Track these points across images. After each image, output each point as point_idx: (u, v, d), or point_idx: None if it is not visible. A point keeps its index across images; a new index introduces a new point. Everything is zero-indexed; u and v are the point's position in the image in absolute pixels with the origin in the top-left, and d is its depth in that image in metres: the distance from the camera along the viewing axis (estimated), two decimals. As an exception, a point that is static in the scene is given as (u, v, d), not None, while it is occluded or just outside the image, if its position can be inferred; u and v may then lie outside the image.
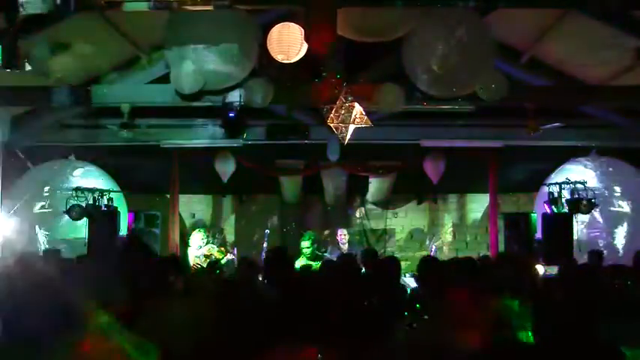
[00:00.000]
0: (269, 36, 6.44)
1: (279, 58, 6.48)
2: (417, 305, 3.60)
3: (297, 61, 6.67)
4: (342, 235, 10.14)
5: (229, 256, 9.94)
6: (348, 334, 3.33)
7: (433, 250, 10.67)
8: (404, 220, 11.94)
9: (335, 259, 7.74)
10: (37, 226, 9.43)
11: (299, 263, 8.67)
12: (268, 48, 6.47)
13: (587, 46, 8.18)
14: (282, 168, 10.96)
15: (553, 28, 8.04)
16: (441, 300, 3.93)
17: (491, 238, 10.55)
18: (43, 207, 9.55)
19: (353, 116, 7.24)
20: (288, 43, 6.37)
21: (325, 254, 9.49)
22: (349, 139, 7.46)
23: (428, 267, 5.04)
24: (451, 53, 6.86)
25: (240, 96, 7.80)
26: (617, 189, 9.50)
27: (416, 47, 7.19)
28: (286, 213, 11.53)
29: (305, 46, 6.35)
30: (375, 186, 11.25)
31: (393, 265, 5.10)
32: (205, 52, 7.02)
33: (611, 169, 9.77)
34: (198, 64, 7.08)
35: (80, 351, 2.81)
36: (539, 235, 9.26)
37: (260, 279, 5.24)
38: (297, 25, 6.38)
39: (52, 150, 10.21)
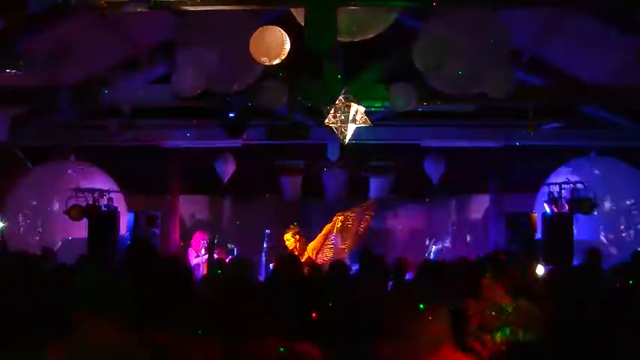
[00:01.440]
0: (251, 39, 6.49)
1: (261, 60, 6.53)
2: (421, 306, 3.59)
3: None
4: None
5: (229, 257, 9.93)
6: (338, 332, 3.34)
7: (433, 250, 10.67)
8: (404, 220, 11.93)
9: None
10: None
11: None
12: (250, 51, 6.52)
13: (587, 46, 8.18)
14: (282, 168, 10.96)
15: (553, 28, 8.04)
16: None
17: (491, 238, 10.54)
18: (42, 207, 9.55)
19: (353, 116, 7.24)
20: (270, 45, 6.43)
21: None
22: (349, 139, 7.47)
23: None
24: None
25: (241, 96, 7.83)
26: (617, 189, 9.50)
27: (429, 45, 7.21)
28: (286, 213, 11.52)
29: (287, 48, 6.42)
30: (375, 186, 11.25)
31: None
32: (213, 55, 7.04)
33: (611, 169, 9.77)
34: (205, 67, 7.11)
35: None
36: (539, 235, 9.25)
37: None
38: (278, 27, 6.46)
39: (52, 150, 10.22)
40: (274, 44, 6.35)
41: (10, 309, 3.41)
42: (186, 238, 10.74)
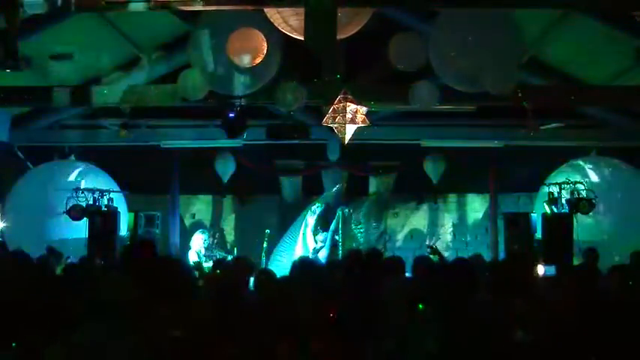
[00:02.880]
0: (229, 41, 6.51)
1: (237, 61, 6.58)
2: (420, 306, 3.60)
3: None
4: None
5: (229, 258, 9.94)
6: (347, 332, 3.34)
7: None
8: (404, 220, 11.92)
9: None
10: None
11: None
12: (228, 53, 6.56)
13: (587, 46, 8.18)
14: (282, 168, 10.96)
15: (553, 28, 8.04)
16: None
17: (491, 238, 10.54)
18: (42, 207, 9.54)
19: (352, 116, 7.24)
20: (248, 47, 6.47)
21: None
22: (349, 139, 7.46)
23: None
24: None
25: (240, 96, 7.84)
26: (617, 189, 9.50)
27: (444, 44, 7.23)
28: (286, 213, 11.52)
29: (265, 50, 6.46)
30: (375, 186, 11.25)
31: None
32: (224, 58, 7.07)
33: (611, 169, 9.76)
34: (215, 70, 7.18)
35: None
36: (539, 235, 9.25)
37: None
38: (257, 30, 6.49)
39: (52, 150, 10.22)
40: (252, 46, 6.39)
41: (13, 308, 3.42)
42: (187, 239, 10.75)
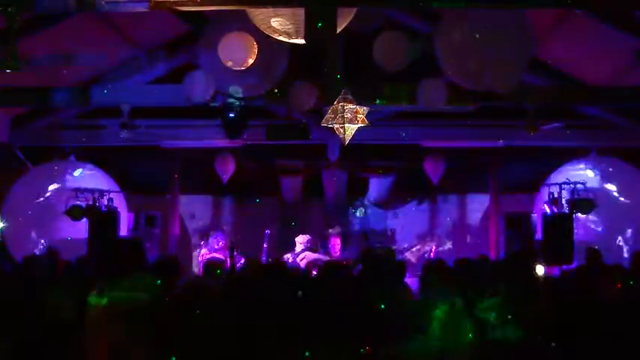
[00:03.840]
0: (220, 43, 6.54)
1: (229, 65, 6.59)
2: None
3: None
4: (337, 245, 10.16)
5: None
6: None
7: (433, 250, 10.66)
8: (404, 220, 11.92)
9: None
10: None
11: None
12: (219, 55, 6.58)
13: (587, 46, 8.18)
14: (282, 168, 10.96)
15: (553, 28, 8.04)
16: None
17: (491, 238, 10.54)
18: (42, 207, 9.54)
19: (352, 116, 7.22)
20: (240, 50, 6.49)
21: None
22: (349, 140, 7.45)
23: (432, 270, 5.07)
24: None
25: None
26: (617, 189, 9.50)
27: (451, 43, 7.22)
28: (286, 213, 11.52)
29: (256, 53, 6.49)
30: (375, 186, 11.25)
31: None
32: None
33: (611, 169, 9.76)
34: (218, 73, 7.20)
35: None
36: (539, 235, 9.25)
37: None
38: (248, 33, 6.51)
39: (52, 150, 10.22)
40: (243, 49, 6.41)
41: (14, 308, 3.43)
42: (186, 239, 10.76)
